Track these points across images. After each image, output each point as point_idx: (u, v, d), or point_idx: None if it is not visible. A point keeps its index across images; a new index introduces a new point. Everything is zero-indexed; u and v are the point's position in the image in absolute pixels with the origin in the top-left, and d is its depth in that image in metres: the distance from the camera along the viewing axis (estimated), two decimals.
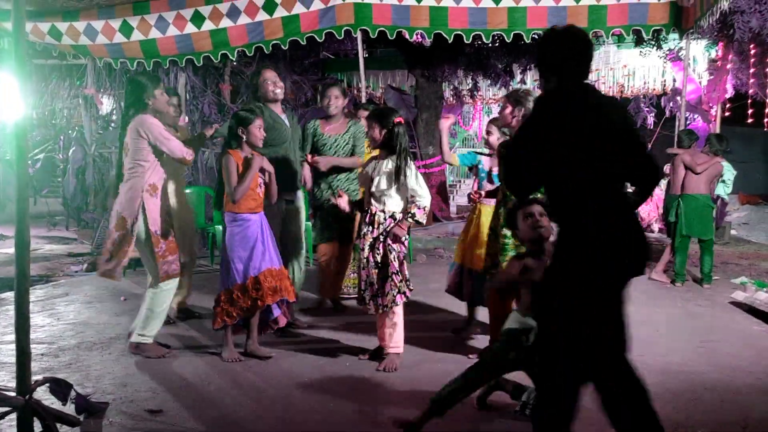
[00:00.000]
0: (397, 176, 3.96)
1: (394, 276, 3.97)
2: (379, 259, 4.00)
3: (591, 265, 2.43)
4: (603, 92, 10.45)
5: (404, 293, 3.99)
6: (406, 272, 4.06)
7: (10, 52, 4.56)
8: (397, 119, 4.03)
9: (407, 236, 4.10)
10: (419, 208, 3.98)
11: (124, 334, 4.57)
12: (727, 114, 9.75)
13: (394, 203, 4.03)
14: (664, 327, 5.13)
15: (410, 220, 3.98)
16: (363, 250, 4.07)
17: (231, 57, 7.11)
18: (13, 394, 2.77)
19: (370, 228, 4.05)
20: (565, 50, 2.56)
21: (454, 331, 4.78)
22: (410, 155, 4.07)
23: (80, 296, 6.03)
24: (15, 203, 2.99)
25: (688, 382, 3.89)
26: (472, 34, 6.69)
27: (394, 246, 4.00)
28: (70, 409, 3.05)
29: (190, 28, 6.80)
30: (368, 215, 4.09)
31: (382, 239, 4.00)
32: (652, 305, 5.83)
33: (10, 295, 5.55)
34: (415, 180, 3.99)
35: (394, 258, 3.99)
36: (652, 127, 11.92)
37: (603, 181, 2.49)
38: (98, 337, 4.69)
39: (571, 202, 2.49)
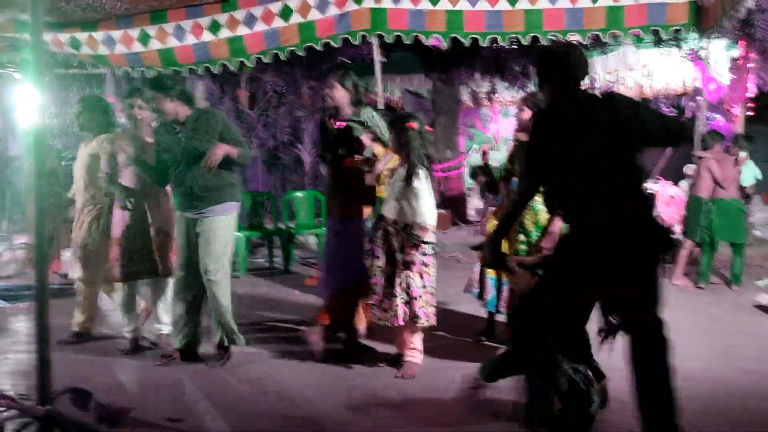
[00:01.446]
0: (406, 183, 3.89)
1: (419, 292, 3.94)
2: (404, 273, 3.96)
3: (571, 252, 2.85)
4: (623, 92, 10.27)
5: (430, 315, 3.98)
6: (429, 293, 4.00)
7: (30, 63, 4.64)
8: (410, 123, 3.95)
9: (426, 252, 3.98)
10: (421, 228, 3.89)
11: (145, 342, 4.62)
12: (749, 113, 9.60)
13: (405, 214, 3.92)
14: (687, 331, 5.04)
15: (415, 241, 3.88)
16: (375, 257, 4.06)
17: (248, 64, 7.14)
18: (33, 403, 2.79)
19: (378, 237, 4.04)
20: (554, 64, 2.95)
21: (477, 335, 4.79)
22: (423, 162, 3.93)
23: (101, 303, 6.06)
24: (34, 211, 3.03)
25: (710, 388, 3.83)
26: (489, 37, 6.66)
27: (427, 277, 3.96)
28: (91, 417, 3.07)
29: (207, 36, 6.83)
30: (380, 222, 4.07)
31: (395, 254, 3.96)
32: (674, 309, 5.72)
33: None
34: (421, 191, 3.87)
35: (428, 283, 3.96)
36: None
37: (590, 179, 2.78)
38: (120, 345, 4.70)
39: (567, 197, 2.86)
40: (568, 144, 2.81)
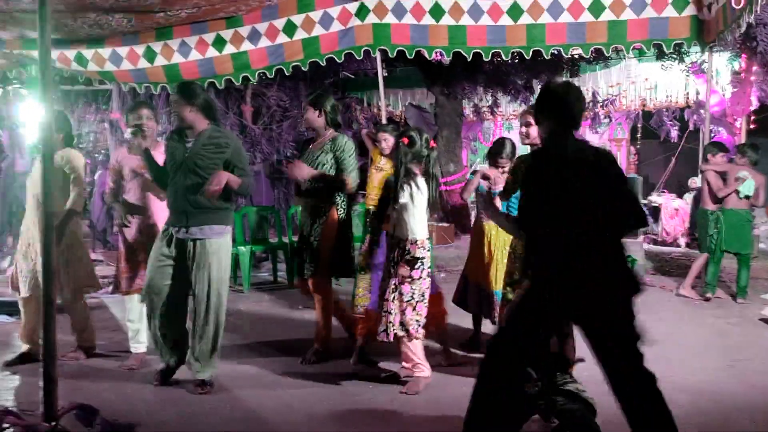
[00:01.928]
0: (394, 199, 3.92)
1: (401, 308, 3.93)
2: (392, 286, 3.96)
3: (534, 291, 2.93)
4: (624, 107, 10.24)
5: (415, 329, 3.96)
6: (419, 311, 3.98)
7: (37, 79, 4.67)
8: (403, 138, 3.95)
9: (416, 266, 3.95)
10: (412, 243, 3.90)
11: (153, 359, 4.57)
12: (752, 126, 9.62)
13: (401, 229, 3.94)
14: (693, 345, 5.03)
15: (408, 257, 3.89)
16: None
17: (252, 79, 7.18)
18: (38, 420, 2.79)
19: (387, 252, 4.07)
20: (555, 103, 2.97)
21: (463, 345, 4.84)
22: (410, 177, 3.91)
23: (107, 319, 6.06)
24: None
25: (718, 403, 3.81)
26: (491, 51, 6.70)
27: (407, 287, 3.93)
28: None
29: (211, 52, 6.88)
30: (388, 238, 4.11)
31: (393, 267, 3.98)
32: (680, 323, 5.73)
33: None
34: (408, 206, 3.88)
35: (406, 293, 3.94)
36: (676, 140, 11.79)
37: (564, 228, 2.84)
38: (126, 360, 4.67)
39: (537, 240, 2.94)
40: (551, 189, 2.88)
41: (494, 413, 2.88)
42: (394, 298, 3.94)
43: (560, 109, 2.95)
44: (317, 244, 4.47)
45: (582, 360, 3.68)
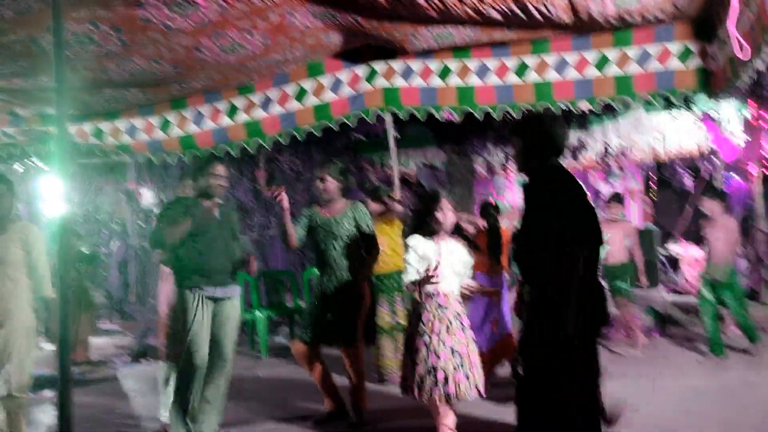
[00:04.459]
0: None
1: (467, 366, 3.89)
2: (443, 345, 3.88)
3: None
4: (637, 158, 10.25)
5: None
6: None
7: (55, 155, 4.73)
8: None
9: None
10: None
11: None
12: (766, 172, 9.56)
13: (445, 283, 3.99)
14: (721, 400, 4.87)
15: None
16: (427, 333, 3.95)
17: (265, 145, 7.28)
18: None
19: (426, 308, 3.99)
20: (545, 135, 3.06)
21: None
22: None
23: (126, 390, 6.00)
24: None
25: None
26: (501, 110, 6.76)
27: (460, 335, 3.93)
28: None
29: (225, 121, 6.99)
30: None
31: (450, 322, 3.94)
32: (702, 375, 5.57)
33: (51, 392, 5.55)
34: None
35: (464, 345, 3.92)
36: (691, 189, 11.74)
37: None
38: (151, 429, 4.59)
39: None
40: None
41: None
42: (442, 355, 3.86)
43: (549, 138, 3.04)
44: (353, 313, 4.51)
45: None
